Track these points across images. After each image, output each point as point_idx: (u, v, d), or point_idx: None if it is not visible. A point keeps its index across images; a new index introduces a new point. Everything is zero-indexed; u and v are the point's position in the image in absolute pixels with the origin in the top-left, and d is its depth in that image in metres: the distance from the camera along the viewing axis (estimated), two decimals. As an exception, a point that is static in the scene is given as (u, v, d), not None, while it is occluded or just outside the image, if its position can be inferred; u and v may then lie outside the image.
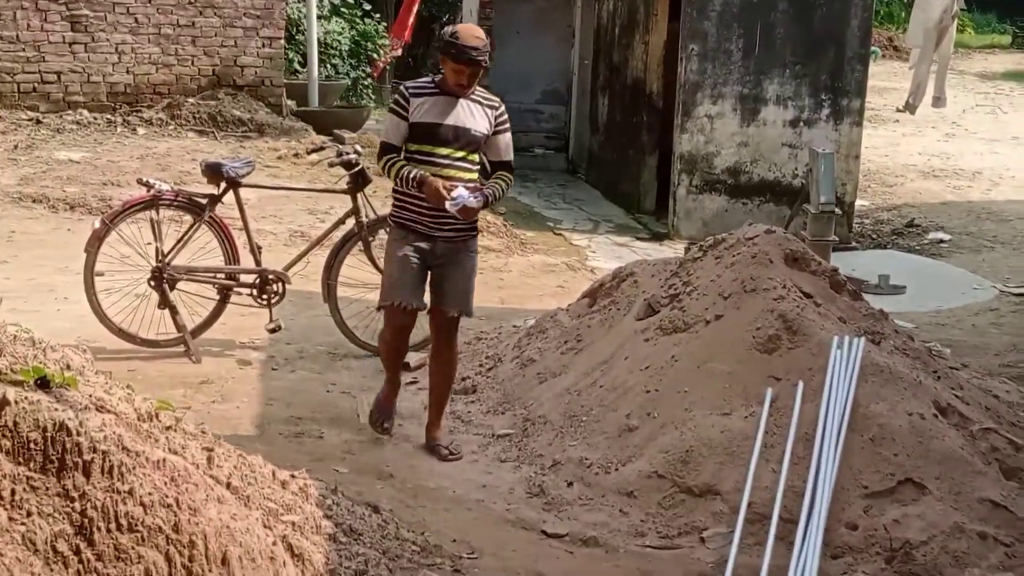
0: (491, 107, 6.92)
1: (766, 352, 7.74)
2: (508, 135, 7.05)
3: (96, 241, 8.76)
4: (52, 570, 4.29)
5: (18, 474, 4.31)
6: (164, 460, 4.73)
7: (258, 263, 9.15)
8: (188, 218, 9.02)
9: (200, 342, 9.00)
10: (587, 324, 9.08)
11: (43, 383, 4.60)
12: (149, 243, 8.91)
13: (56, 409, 4.48)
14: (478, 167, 7.01)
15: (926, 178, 18.07)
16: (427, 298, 7.46)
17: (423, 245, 6.87)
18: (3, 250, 10.77)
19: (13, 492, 4.27)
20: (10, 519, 4.22)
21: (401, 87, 6.96)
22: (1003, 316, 11.62)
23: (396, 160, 6.86)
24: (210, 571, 4.58)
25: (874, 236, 14.71)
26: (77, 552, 4.37)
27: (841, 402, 7.21)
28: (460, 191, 6.54)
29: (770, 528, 6.44)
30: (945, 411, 7.50)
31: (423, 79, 7.04)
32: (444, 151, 6.76)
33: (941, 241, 14.52)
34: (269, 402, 8.29)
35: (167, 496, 4.57)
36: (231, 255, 9.11)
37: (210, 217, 8.98)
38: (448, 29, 6.77)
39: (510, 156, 7.07)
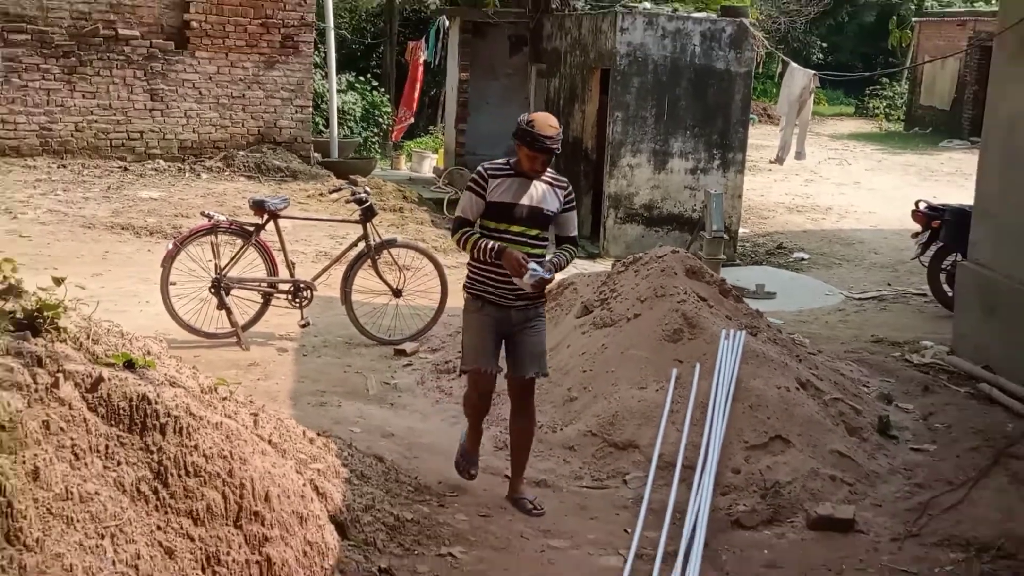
0: (560, 187, 5.92)
1: (672, 342, 7.80)
2: (574, 213, 6.07)
3: (169, 259, 8.78)
4: (136, 505, 4.29)
5: (110, 433, 4.31)
6: (221, 423, 4.73)
7: (292, 275, 9.15)
8: (239, 241, 9.02)
9: (248, 335, 9.00)
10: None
11: (129, 365, 4.60)
12: (210, 260, 8.91)
13: (139, 384, 4.48)
14: (545, 244, 6.02)
15: (791, 212, 18.18)
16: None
17: (498, 314, 5.86)
18: (99, 266, 10.74)
19: (107, 447, 4.27)
20: (104, 467, 4.22)
21: (480, 168, 5.90)
22: (848, 315, 11.71)
23: (472, 233, 5.82)
24: (256, 506, 4.59)
25: (752, 255, 14.78)
26: (155, 492, 4.36)
27: (727, 379, 7.27)
28: (533, 264, 5.58)
29: (675, 472, 6.49)
30: (805, 385, 7.60)
31: (499, 161, 5.93)
32: (518, 228, 5.78)
33: (802, 259, 14.62)
34: (300, 379, 8.30)
35: (223, 450, 4.58)
36: (272, 269, 9.13)
37: (256, 240, 8.99)
38: (524, 117, 5.72)
39: (575, 232, 6.09)
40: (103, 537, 4.07)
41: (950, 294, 11.01)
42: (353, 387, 8.20)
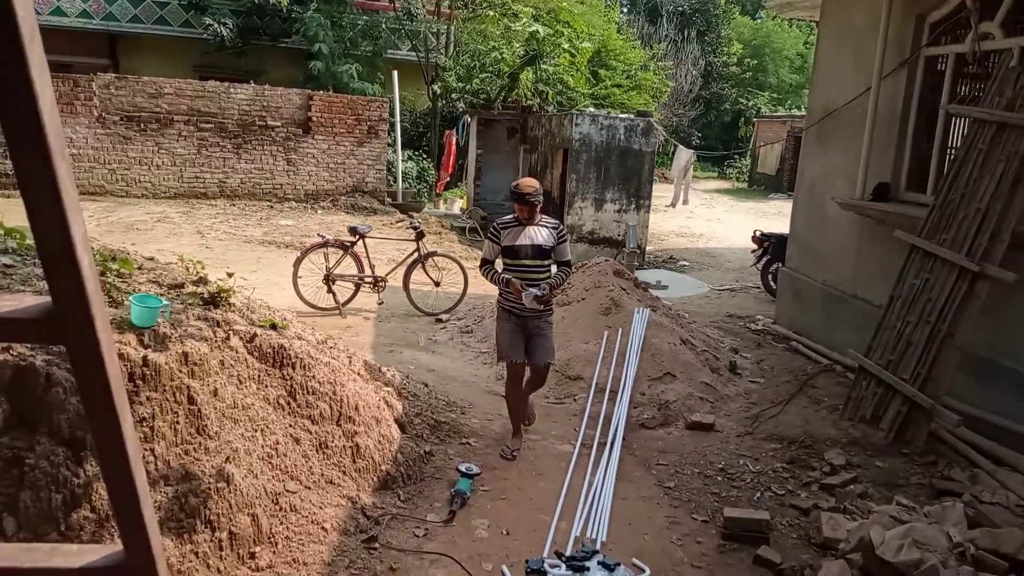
0: (553, 228, 5.43)
1: (604, 315, 7.82)
2: (567, 244, 5.49)
3: (298, 262, 8.78)
4: (276, 413, 4.33)
5: (261, 368, 4.34)
6: (329, 362, 4.77)
7: (373, 273, 9.16)
8: (340, 252, 9.03)
9: (346, 310, 9.01)
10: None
11: (273, 326, 4.63)
12: (323, 263, 8.92)
13: (279, 338, 4.52)
14: (549, 268, 5.48)
15: (678, 237, 18.16)
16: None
17: (519, 322, 5.44)
18: (255, 266, 10.74)
19: (259, 376, 4.30)
20: (257, 388, 4.25)
21: (494, 223, 5.52)
22: (711, 300, 11.74)
23: (491, 270, 5.44)
24: (349, 413, 4.62)
25: (654, 263, 14.76)
26: (288, 404, 4.40)
27: (638, 337, 7.30)
28: (530, 290, 5.24)
29: (605, 394, 6.53)
30: (685, 341, 7.61)
31: (508, 216, 5.49)
32: (526, 261, 5.35)
33: (684, 265, 14.60)
34: (378, 336, 8.31)
35: (330, 378, 4.61)
36: (360, 268, 9.12)
37: (351, 251, 9.01)
38: (514, 183, 5.40)
39: (568, 257, 5.52)
40: (256, 431, 4.11)
41: (774, 287, 11.04)
42: (410, 341, 8.22)
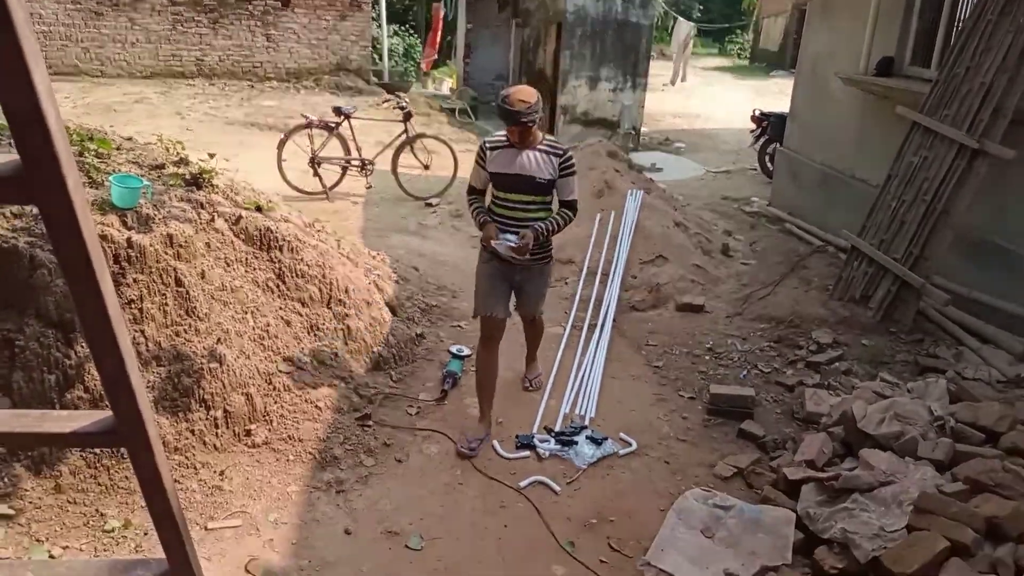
0: (556, 155, 4.12)
1: (597, 197, 7.78)
2: (572, 179, 4.18)
3: (281, 144, 8.63)
4: (266, 295, 4.36)
5: (248, 251, 4.34)
6: (317, 244, 4.77)
7: (360, 155, 9.04)
8: (326, 133, 8.87)
9: (333, 194, 8.93)
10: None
11: (258, 208, 4.60)
12: (308, 145, 8.78)
13: (265, 220, 4.50)
14: (547, 207, 4.24)
15: (675, 118, 17.82)
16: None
17: (503, 267, 4.25)
18: (237, 149, 10.54)
19: (246, 259, 4.31)
20: (245, 271, 4.27)
21: (481, 141, 4.24)
22: (707, 182, 11.66)
23: (474, 202, 4.25)
24: (339, 295, 4.66)
25: (649, 145, 14.56)
26: (277, 287, 4.43)
27: (630, 220, 7.30)
28: (505, 237, 4.05)
29: (596, 277, 6.59)
30: (678, 224, 7.61)
31: (500, 134, 4.20)
32: (515, 196, 4.12)
33: (680, 147, 14.40)
34: (367, 220, 8.29)
35: (319, 261, 4.63)
36: (347, 151, 8.99)
37: (337, 133, 8.85)
38: (502, 92, 4.00)
39: (572, 196, 4.20)
40: (247, 313, 4.16)
41: (771, 169, 10.95)
42: (400, 226, 8.21)
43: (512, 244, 4.02)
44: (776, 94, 20.95)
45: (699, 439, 4.47)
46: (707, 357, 5.50)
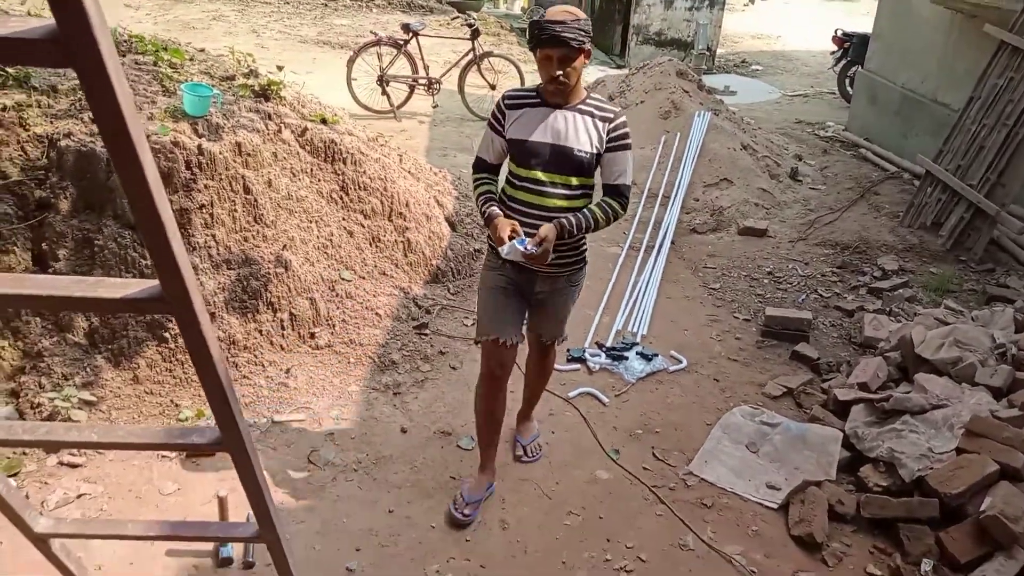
0: (605, 119, 2.81)
1: (663, 119, 7.61)
2: (624, 154, 2.85)
3: (351, 62, 8.60)
4: (330, 206, 4.45)
5: (313, 162, 4.43)
6: (379, 158, 4.83)
7: (428, 74, 8.98)
8: (394, 51, 8.82)
9: (401, 113, 8.93)
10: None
11: (324, 121, 4.66)
12: (377, 64, 8.76)
13: (330, 133, 4.56)
14: (587, 194, 2.93)
15: (753, 39, 17.06)
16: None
17: (518, 277, 2.99)
18: (310, 66, 10.61)
19: (311, 170, 4.40)
20: (310, 182, 4.36)
21: (501, 96, 2.94)
22: (782, 106, 11.20)
23: (481, 183, 2.98)
24: (400, 208, 4.73)
25: (724, 67, 14.03)
26: (341, 198, 4.52)
27: (696, 142, 7.13)
28: (518, 241, 2.75)
29: (657, 199, 6.51)
30: (746, 147, 7.40)
31: (528, 87, 2.96)
32: (543, 176, 2.82)
33: (756, 69, 13.82)
34: (432, 140, 8.29)
35: (381, 174, 4.69)
36: (415, 69, 8.94)
37: (405, 51, 8.79)
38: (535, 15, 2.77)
39: (622, 179, 2.87)
40: (312, 223, 4.27)
41: (850, 92, 10.45)
42: (463, 145, 8.19)
43: (528, 250, 2.74)
44: (865, 16, 19.77)
45: (751, 359, 4.45)
46: (766, 281, 5.41)
